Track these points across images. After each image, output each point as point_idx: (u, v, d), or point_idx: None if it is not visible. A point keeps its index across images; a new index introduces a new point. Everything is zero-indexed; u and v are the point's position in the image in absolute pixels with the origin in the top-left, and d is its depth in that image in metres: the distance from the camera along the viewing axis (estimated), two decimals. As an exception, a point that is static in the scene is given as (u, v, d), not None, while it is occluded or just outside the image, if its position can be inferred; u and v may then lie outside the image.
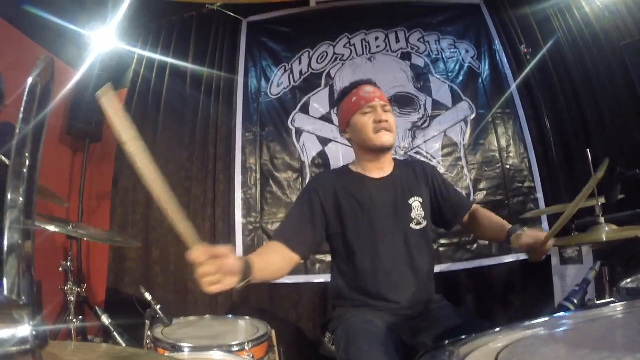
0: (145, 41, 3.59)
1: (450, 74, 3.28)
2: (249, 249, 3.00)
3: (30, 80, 0.43)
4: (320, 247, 1.66)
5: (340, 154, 3.11)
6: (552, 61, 3.14)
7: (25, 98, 0.42)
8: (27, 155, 0.41)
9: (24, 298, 0.39)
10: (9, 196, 0.41)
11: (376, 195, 1.59)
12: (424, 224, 1.61)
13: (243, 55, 3.45)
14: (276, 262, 1.44)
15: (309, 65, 3.39)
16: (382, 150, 1.60)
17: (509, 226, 1.60)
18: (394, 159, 1.73)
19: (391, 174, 1.65)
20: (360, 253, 1.56)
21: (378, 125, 1.55)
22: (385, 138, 1.56)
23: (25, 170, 0.41)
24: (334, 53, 3.41)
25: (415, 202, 1.61)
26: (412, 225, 1.59)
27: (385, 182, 1.63)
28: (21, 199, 0.41)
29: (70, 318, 2.14)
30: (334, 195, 1.59)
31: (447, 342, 0.72)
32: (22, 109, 0.41)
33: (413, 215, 1.59)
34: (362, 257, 1.55)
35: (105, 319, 1.50)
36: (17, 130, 0.40)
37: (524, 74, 3.09)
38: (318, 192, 1.59)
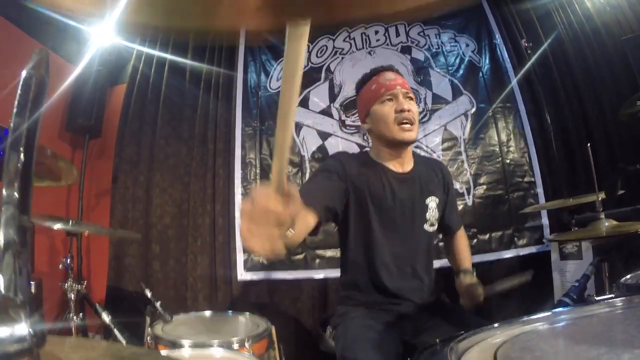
0: (144, 36, 3.58)
1: (450, 68, 3.27)
2: (249, 244, 3.00)
3: (24, 74, 0.42)
4: (336, 217, 1.50)
5: (340, 148, 3.11)
6: (552, 55, 3.13)
7: (19, 92, 0.41)
8: (21, 150, 0.41)
9: (20, 296, 0.39)
10: (4, 192, 0.40)
11: (397, 190, 1.53)
12: (435, 226, 1.60)
13: (242, 50, 3.44)
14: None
15: (309, 59, 3.37)
16: (404, 144, 1.53)
17: (466, 265, 1.66)
18: (414, 154, 1.67)
19: (412, 169, 1.60)
20: (373, 245, 1.52)
21: (400, 115, 1.47)
22: (407, 133, 1.48)
23: (19, 166, 0.41)
24: (334, 47, 3.40)
25: (432, 203, 1.58)
26: (426, 226, 1.57)
27: (406, 178, 1.57)
28: (16, 194, 0.40)
29: (71, 315, 2.13)
30: (357, 176, 1.51)
31: (445, 338, 0.72)
32: (16, 103, 0.41)
33: (428, 215, 1.57)
34: (374, 250, 1.52)
35: (106, 316, 1.50)
36: (11, 125, 0.40)
37: (524, 68, 3.07)
38: (344, 164, 1.50)
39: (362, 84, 1.63)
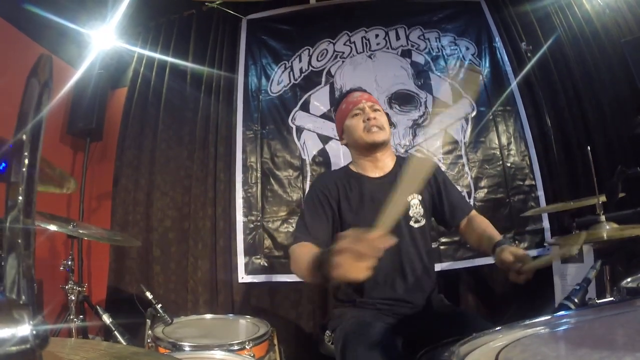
0: (145, 40, 3.59)
1: (450, 71, 3.28)
2: (250, 247, 3.00)
3: (28, 79, 0.43)
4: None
5: (341, 152, 3.11)
6: (552, 58, 3.13)
7: (23, 97, 0.42)
8: (25, 154, 0.41)
9: (23, 297, 0.39)
10: (9, 195, 0.41)
11: (375, 193, 1.60)
12: (423, 222, 1.62)
13: (243, 53, 3.45)
14: None
15: (309, 62, 3.38)
16: (375, 146, 1.63)
17: (499, 238, 1.50)
18: (397, 156, 1.76)
19: (390, 172, 1.68)
20: None
21: (367, 123, 1.62)
22: (375, 134, 1.61)
23: (24, 170, 0.41)
24: (334, 50, 3.41)
25: (414, 200, 1.62)
26: (411, 223, 1.60)
27: (383, 181, 1.64)
28: (20, 198, 0.41)
29: (71, 317, 2.14)
30: (337, 193, 1.62)
31: (447, 341, 0.72)
32: (20, 108, 0.41)
33: (411, 213, 1.60)
34: None
35: (106, 318, 1.50)
36: (15, 130, 0.40)
37: (524, 71, 3.08)
38: (323, 190, 1.62)
39: (336, 107, 1.81)
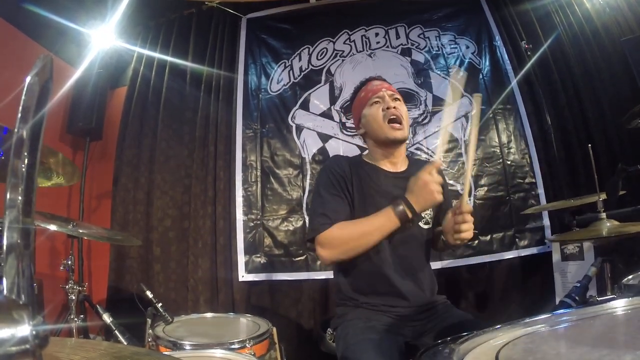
0: (145, 39, 3.59)
1: (450, 70, 3.27)
2: (250, 246, 3.00)
3: (28, 79, 0.43)
4: None
5: (341, 150, 3.11)
6: (552, 57, 3.13)
7: (23, 97, 0.41)
8: (25, 153, 0.41)
9: (23, 297, 0.39)
10: (8, 195, 0.40)
11: (391, 189, 1.56)
12: (430, 224, 1.61)
13: (243, 52, 3.45)
14: None
15: (309, 61, 3.38)
16: (395, 142, 1.60)
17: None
18: (408, 157, 1.73)
19: (406, 170, 1.65)
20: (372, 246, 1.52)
21: (387, 112, 1.57)
22: (398, 132, 1.56)
23: (23, 169, 0.41)
24: (334, 49, 3.40)
25: None
26: (421, 224, 1.59)
27: (400, 178, 1.60)
28: (20, 197, 0.41)
29: (72, 317, 2.14)
30: (351, 177, 1.58)
31: (447, 339, 0.72)
32: (20, 107, 0.41)
33: (423, 214, 1.58)
34: (373, 250, 1.50)
35: (107, 318, 1.51)
36: (16, 129, 0.40)
37: (524, 69, 3.08)
38: (339, 171, 1.58)
39: (354, 95, 1.75)
